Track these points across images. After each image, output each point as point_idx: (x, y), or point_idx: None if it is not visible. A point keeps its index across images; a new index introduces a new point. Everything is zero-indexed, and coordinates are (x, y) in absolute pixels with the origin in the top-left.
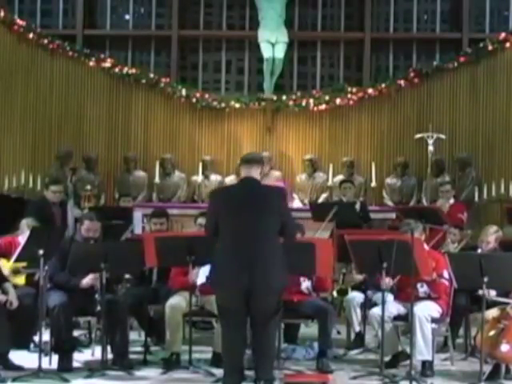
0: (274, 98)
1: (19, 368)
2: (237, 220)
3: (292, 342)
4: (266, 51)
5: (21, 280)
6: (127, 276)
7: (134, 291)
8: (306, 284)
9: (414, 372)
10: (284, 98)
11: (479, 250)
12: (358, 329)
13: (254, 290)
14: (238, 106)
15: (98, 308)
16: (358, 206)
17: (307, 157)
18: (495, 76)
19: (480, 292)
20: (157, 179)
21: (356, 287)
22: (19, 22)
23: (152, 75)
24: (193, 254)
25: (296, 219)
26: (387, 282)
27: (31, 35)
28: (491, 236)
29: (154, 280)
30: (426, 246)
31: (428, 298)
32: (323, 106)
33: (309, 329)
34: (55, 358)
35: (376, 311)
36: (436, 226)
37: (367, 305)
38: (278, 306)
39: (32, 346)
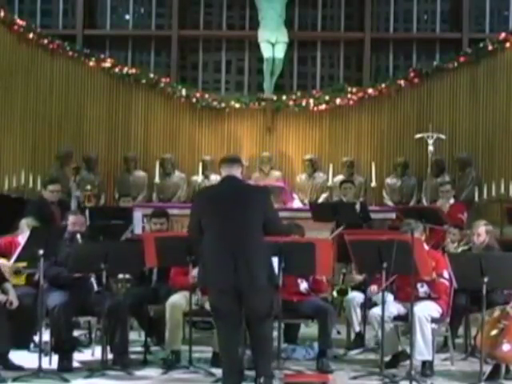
0: (274, 97)
1: (19, 368)
2: (221, 218)
3: (292, 342)
4: (266, 51)
5: (21, 280)
6: (127, 276)
7: (134, 291)
8: (304, 285)
9: (413, 372)
10: (284, 97)
11: (471, 244)
12: (357, 329)
13: (240, 288)
14: (238, 106)
15: (96, 289)
16: (358, 206)
17: (307, 157)
18: (495, 76)
19: None
20: (157, 179)
21: (356, 287)
22: (19, 21)
23: (152, 75)
24: (193, 254)
25: (295, 220)
26: (372, 289)
27: (31, 35)
28: (481, 227)
29: (153, 280)
30: (426, 246)
31: (428, 298)
32: (323, 106)
33: (309, 329)
34: (55, 357)
35: (376, 311)
36: (436, 226)
37: (367, 305)
38: (271, 305)
39: (32, 345)
